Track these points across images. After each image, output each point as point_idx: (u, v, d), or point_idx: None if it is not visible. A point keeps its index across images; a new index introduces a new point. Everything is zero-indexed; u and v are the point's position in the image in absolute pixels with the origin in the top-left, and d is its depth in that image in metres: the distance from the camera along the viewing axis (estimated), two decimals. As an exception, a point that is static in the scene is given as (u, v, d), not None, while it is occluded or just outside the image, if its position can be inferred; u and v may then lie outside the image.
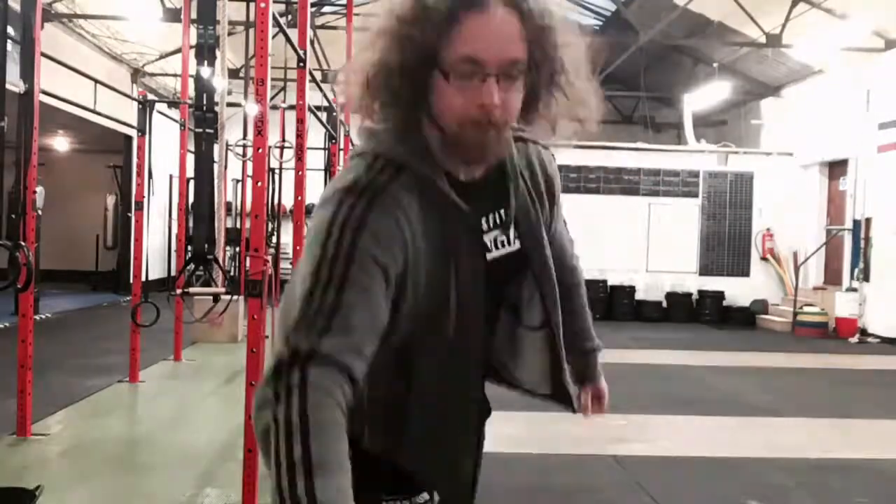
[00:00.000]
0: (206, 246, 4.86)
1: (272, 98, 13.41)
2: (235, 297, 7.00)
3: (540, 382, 1.52)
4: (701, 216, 14.16)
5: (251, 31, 10.77)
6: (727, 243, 14.22)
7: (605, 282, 13.83)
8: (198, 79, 4.88)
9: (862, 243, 11.94)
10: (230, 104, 6.47)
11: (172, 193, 14.77)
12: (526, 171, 1.40)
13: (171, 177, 14.21)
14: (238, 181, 13.31)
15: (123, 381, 6.73)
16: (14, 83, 3.91)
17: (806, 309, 12.42)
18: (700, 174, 14.18)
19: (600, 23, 16.45)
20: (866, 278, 11.84)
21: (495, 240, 1.35)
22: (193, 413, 5.95)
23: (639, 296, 13.90)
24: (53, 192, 13.10)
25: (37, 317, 8.82)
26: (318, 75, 6.02)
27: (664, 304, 13.93)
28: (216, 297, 5.29)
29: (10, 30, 3.87)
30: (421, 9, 1.17)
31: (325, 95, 6.42)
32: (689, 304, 13.87)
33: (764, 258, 14.19)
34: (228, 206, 13.75)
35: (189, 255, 5.00)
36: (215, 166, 5.03)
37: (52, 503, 3.78)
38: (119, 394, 6.39)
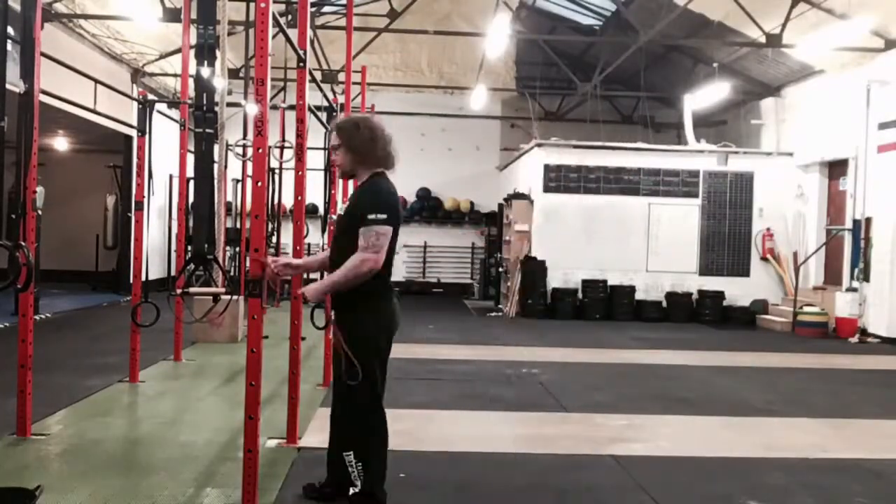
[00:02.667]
0: (206, 246, 4.85)
1: (272, 98, 13.43)
2: (235, 297, 7.00)
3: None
4: (701, 216, 14.16)
5: (251, 31, 10.78)
6: (727, 243, 14.22)
7: (605, 282, 13.84)
8: (198, 79, 4.87)
9: (862, 243, 11.94)
10: (230, 104, 6.47)
11: (172, 193, 14.78)
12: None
13: (171, 177, 14.22)
14: (238, 181, 13.31)
15: (123, 381, 6.74)
16: (14, 83, 3.90)
17: (806, 309, 12.42)
18: (700, 174, 14.18)
19: (600, 23, 16.45)
20: (866, 278, 11.83)
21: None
22: (193, 413, 5.94)
23: (639, 296, 13.90)
24: (53, 192, 13.10)
25: (37, 317, 8.84)
26: (318, 75, 6.02)
27: (664, 304, 13.92)
28: (216, 297, 5.28)
29: (10, 30, 3.87)
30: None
31: (325, 95, 6.42)
32: (689, 304, 13.86)
33: (764, 258, 14.19)
34: (228, 206, 13.76)
35: (189, 255, 5.00)
36: (215, 166, 5.02)
37: (52, 503, 3.79)
38: (119, 394, 6.39)
